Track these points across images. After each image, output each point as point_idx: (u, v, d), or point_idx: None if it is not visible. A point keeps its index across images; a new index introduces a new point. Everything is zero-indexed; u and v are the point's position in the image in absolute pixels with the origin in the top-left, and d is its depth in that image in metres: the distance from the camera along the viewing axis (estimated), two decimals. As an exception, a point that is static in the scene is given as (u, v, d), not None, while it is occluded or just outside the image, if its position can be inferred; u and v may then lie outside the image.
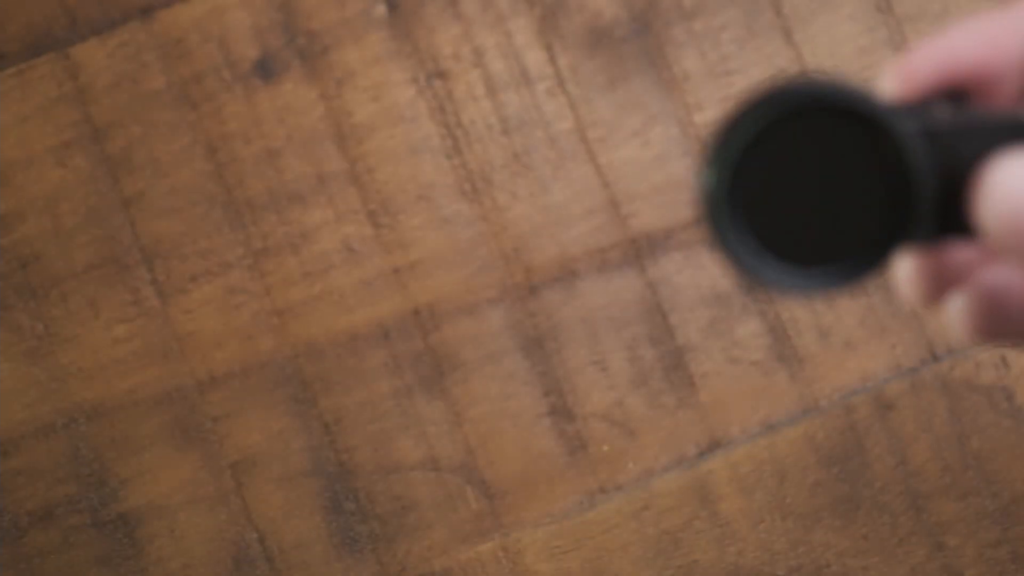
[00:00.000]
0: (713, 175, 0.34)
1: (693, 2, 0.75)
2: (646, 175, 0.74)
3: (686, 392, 0.74)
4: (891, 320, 0.75)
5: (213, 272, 0.74)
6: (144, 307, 0.74)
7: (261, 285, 0.74)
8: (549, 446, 0.73)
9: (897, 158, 0.33)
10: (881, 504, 0.74)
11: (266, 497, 0.73)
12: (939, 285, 0.36)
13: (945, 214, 0.34)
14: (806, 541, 0.73)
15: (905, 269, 0.37)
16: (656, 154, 0.75)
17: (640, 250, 0.74)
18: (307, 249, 0.74)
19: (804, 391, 0.74)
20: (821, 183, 0.34)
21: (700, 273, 0.74)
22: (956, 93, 0.35)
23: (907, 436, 0.74)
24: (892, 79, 0.35)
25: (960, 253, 0.36)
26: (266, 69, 0.74)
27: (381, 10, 0.75)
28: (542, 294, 0.74)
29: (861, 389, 0.74)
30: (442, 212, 0.74)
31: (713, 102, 0.75)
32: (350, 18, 0.75)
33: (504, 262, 0.74)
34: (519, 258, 0.74)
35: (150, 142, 0.74)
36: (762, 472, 0.74)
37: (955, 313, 0.35)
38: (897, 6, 0.76)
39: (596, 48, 0.74)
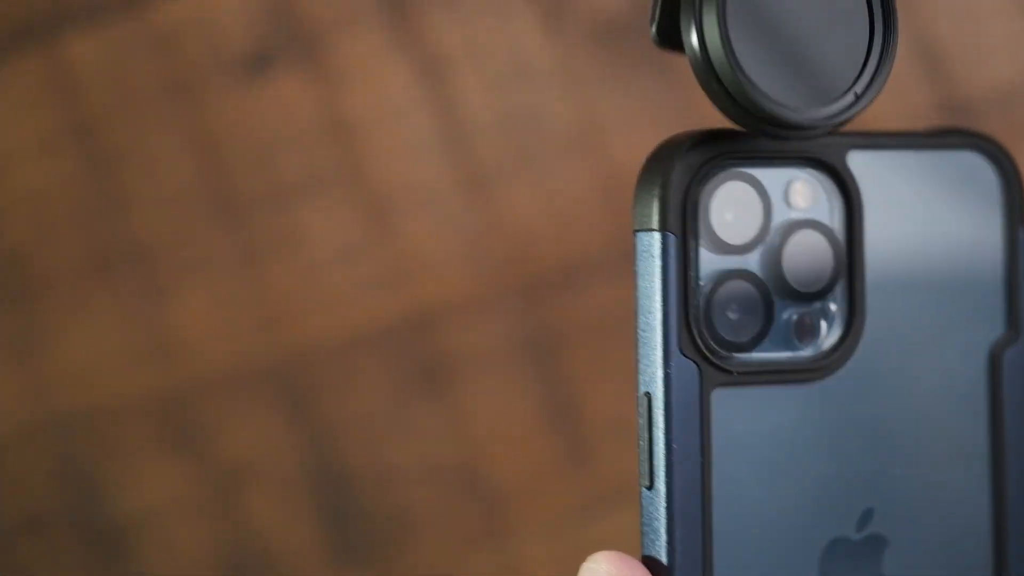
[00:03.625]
0: (711, 17, 0.32)
1: (697, -5, 0.75)
2: (651, 172, 0.75)
3: (692, 394, 0.74)
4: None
5: (205, 273, 0.74)
6: (134, 309, 0.74)
7: (255, 286, 0.74)
8: (552, 451, 0.73)
9: None
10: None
11: (261, 505, 0.73)
12: None
13: None
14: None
15: None
16: (661, 150, 0.75)
17: (645, 249, 0.74)
18: (302, 249, 0.74)
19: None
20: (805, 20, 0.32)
21: (706, 272, 0.74)
22: None
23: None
24: None
25: None
26: (260, 63, 0.74)
27: (379, 2, 0.74)
28: (544, 294, 0.73)
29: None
30: (441, 211, 0.74)
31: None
32: (347, 10, 0.74)
33: (505, 262, 0.74)
34: (520, 258, 0.74)
35: (139, 138, 0.74)
36: (770, 475, 0.74)
37: None
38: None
39: (600, 43, 0.74)
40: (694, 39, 0.34)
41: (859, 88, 0.32)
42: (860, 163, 0.32)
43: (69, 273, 0.74)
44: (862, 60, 0.32)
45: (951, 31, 0.73)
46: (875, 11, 0.33)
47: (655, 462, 0.31)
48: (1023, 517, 0.33)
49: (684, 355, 0.31)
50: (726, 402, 0.31)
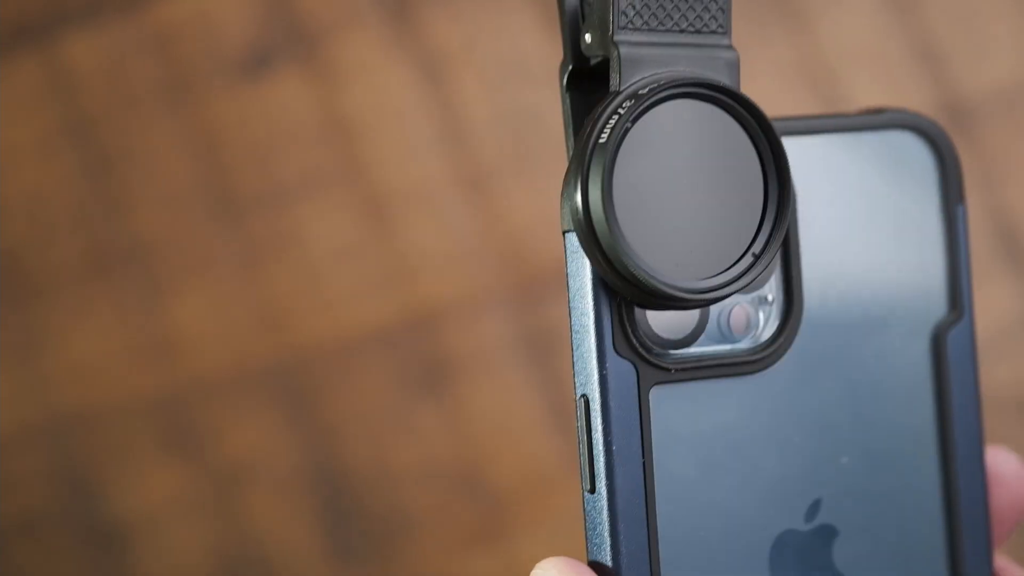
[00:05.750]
0: (596, 191, 0.29)
1: (696, -6, 0.75)
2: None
3: (692, 394, 0.74)
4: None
5: (204, 273, 0.73)
6: (133, 309, 0.73)
7: (254, 286, 0.73)
8: (551, 449, 0.73)
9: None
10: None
11: (260, 506, 0.73)
12: None
13: None
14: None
15: None
16: (660, 150, 0.75)
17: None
18: (302, 249, 0.73)
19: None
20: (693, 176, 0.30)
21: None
22: None
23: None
24: None
25: None
26: (259, 63, 0.74)
27: (378, 2, 0.74)
28: (544, 294, 0.73)
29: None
30: (441, 211, 0.73)
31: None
32: (347, 10, 0.74)
33: (505, 262, 0.73)
34: (520, 257, 0.74)
35: (138, 139, 0.74)
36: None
37: None
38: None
39: (599, 41, 0.74)
40: (578, 205, 0.30)
41: (757, 248, 0.30)
42: (790, 150, 0.31)
43: (68, 273, 0.73)
44: (758, 219, 0.30)
45: (951, 31, 0.73)
46: (768, 167, 0.31)
47: (596, 465, 0.30)
48: (974, 500, 0.32)
49: (619, 355, 0.30)
50: (665, 400, 0.30)
